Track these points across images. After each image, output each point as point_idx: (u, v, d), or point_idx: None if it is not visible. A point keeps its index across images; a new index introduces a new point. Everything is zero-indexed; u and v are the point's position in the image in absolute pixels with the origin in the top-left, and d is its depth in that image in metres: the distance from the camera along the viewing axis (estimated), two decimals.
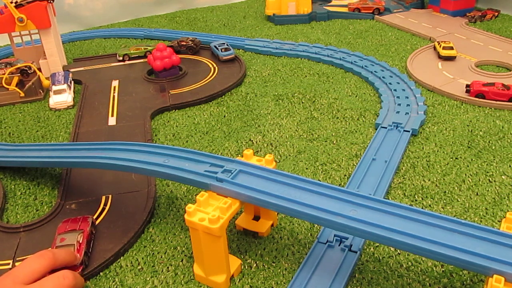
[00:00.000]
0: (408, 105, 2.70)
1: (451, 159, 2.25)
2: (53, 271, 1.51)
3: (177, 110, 2.85)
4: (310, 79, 3.19)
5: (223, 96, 3.00)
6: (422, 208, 1.91)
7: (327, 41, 3.88)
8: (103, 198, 2.05)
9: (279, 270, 1.67)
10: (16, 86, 3.05)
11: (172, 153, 1.76)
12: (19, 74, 3.09)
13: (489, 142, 2.37)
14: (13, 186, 2.21)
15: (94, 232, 1.82)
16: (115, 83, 3.23)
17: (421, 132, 2.49)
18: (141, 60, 3.59)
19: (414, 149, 2.34)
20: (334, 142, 2.44)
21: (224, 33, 4.24)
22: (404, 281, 1.60)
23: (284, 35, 4.09)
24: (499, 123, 2.52)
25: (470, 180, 2.09)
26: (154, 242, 1.82)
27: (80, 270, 1.62)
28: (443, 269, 1.64)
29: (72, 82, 3.22)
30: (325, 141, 2.45)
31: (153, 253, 1.77)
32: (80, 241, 1.68)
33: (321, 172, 2.21)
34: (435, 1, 4.44)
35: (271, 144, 2.45)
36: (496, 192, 2.01)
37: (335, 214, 1.42)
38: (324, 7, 4.61)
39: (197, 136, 2.57)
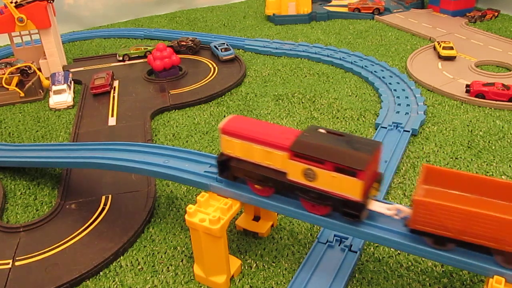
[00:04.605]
0: (408, 105, 2.70)
1: (451, 159, 2.25)
2: None
3: (177, 110, 2.85)
4: (310, 79, 3.19)
5: (223, 96, 2.99)
6: None
7: (327, 41, 3.88)
8: (103, 198, 2.05)
9: (279, 270, 1.67)
10: (16, 86, 3.05)
11: (172, 154, 1.76)
12: (19, 74, 3.09)
13: (489, 142, 2.37)
14: (13, 186, 2.21)
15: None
16: (115, 83, 3.23)
17: (421, 132, 2.48)
18: (141, 60, 3.59)
19: (414, 149, 2.34)
20: None
21: (224, 33, 4.24)
22: (404, 281, 1.60)
23: (284, 35, 4.08)
24: (499, 123, 2.52)
25: None
26: (154, 242, 1.82)
27: None
28: (443, 269, 1.64)
29: (72, 82, 3.22)
30: None
31: (153, 253, 1.77)
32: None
33: None
34: (435, 1, 4.44)
35: None
36: None
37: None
38: (324, 7, 4.61)
39: (197, 136, 2.57)
